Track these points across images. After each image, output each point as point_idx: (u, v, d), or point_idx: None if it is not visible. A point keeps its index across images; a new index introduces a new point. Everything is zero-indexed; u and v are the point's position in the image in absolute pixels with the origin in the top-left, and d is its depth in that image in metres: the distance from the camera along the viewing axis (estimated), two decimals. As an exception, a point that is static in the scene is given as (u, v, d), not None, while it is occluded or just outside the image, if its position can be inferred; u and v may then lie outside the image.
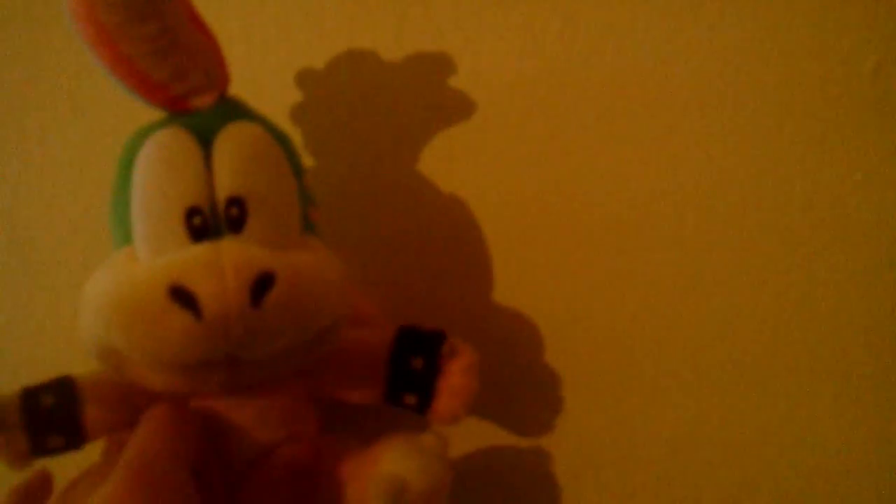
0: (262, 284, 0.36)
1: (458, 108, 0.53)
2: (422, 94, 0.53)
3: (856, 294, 0.51)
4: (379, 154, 0.54)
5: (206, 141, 0.39)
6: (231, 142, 0.39)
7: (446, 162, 0.53)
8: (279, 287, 0.37)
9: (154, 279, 0.36)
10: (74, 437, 0.42)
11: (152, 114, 0.40)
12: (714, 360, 0.52)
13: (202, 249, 0.37)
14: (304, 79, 0.54)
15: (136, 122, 0.41)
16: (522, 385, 0.54)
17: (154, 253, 0.38)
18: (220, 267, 0.36)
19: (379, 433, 0.52)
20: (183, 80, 0.39)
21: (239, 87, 0.43)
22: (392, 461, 0.42)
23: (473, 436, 0.54)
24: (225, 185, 0.38)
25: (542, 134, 0.52)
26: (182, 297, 0.35)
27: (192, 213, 0.37)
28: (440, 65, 0.53)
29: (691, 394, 0.52)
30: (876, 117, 0.50)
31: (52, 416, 0.41)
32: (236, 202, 0.38)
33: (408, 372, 0.46)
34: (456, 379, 0.47)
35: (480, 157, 0.53)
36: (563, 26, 0.51)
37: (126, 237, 0.39)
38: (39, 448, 0.41)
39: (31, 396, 0.41)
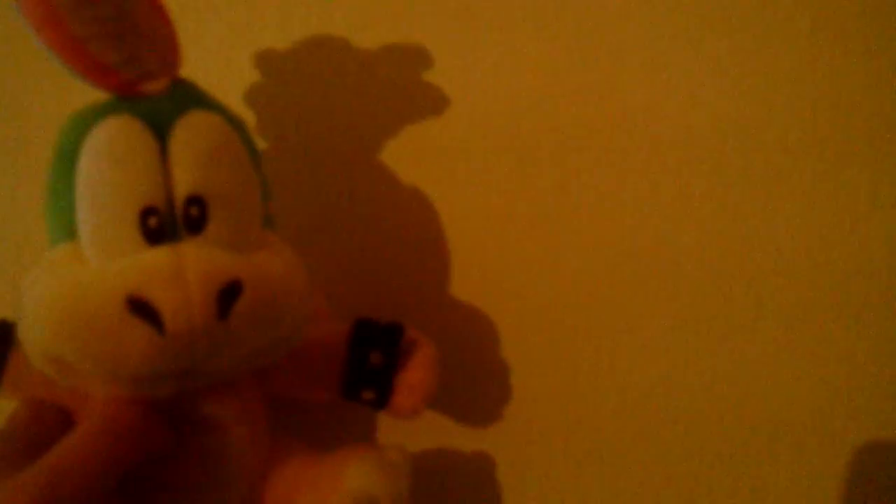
0: (228, 295, 0.34)
1: (428, 103, 0.51)
2: (390, 81, 0.51)
3: (856, 295, 0.51)
4: (338, 139, 0.52)
5: (160, 132, 0.36)
6: (189, 134, 0.36)
7: (415, 152, 0.52)
8: (246, 296, 0.35)
9: (110, 288, 0.33)
10: None
11: (88, 94, 0.37)
12: (701, 359, 0.52)
13: (162, 255, 0.34)
14: (264, 60, 0.51)
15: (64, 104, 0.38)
16: (480, 379, 0.53)
17: (105, 255, 0.35)
18: (183, 276, 0.34)
19: (332, 430, 0.52)
20: (136, 64, 0.36)
21: (192, 65, 0.40)
22: (359, 476, 0.41)
23: (428, 431, 0.53)
24: (184, 183, 0.35)
25: (521, 145, 0.51)
26: (142, 309, 0.33)
27: (147, 212, 0.35)
28: (414, 56, 0.51)
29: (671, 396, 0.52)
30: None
31: None
32: (196, 201, 0.36)
33: (366, 367, 0.45)
34: (415, 373, 0.46)
35: (445, 146, 0.52)
36: (549, 43, 0.50)
37: (67, 232, 0.36)
38: None
39: None
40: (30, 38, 0.32)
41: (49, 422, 0.41)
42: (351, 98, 0.52)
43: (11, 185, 0.53)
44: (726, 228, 0.50)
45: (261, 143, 0.51)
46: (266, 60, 0.52)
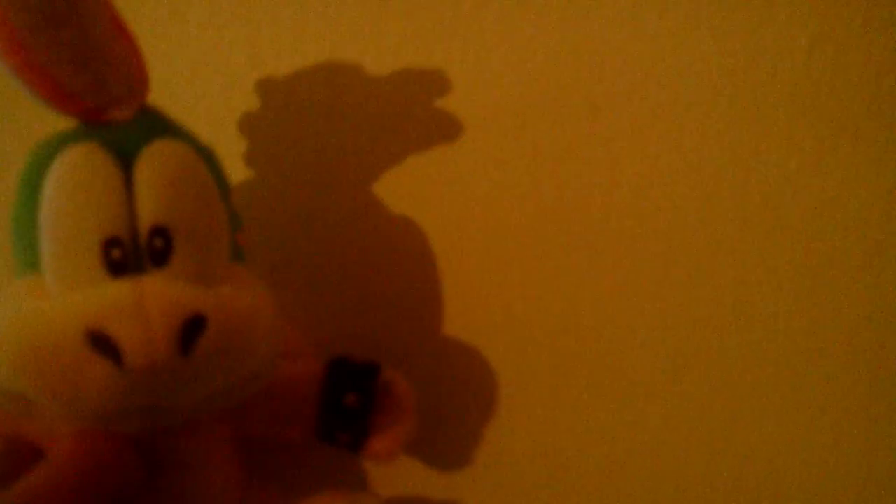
0: (191, 330, 0.33)
1: (413, 116, 0.50)
2: (366, 101, 0.50)
3: (789, 287, 0.49)
4: (314, 169, 0.51)
5: (126, 161, 0.34)
6: (155, 163, 0.35)
7: (392, 175, 0.50)
8: (210, 331, 0.33)
9: (69, 322, 0.32)
10: None
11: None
12: (701, 365, 0.50)
13: (123, 288, 0.33)
14: (237, 85, 0.50)
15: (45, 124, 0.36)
16: (458, 422, 0.51)
17: (66, 287, 0.33)
18: (145, 310, 0.32)
19: (307, 472, 0.50)
20: (101, 90, 0.34)
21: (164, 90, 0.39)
22: None
23: (405, 476, 0.51)
24: (148, 214, 0.34)
25: (515, 144, 0.50)
26: (101, 344, 0.31)
27: (110, 244, 0.33)
28: (399, 72, 0.49)
29: (677, 401, 0.51)
30: (811, 96, 0.47)
31: None
32: (161, 232, 0.34)
33: (341, 409, 0.43)
34: (391, 416, 0.44)
35: (432, 163, 0.50)
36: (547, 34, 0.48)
37: (32, 263, 0.35)
38: None
39: None
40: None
41: (21, 459, 0.38)
42: (335, 116, 0.50)
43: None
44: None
45: (240, 171, 0.50)
46: (244, 84, 0.50)
